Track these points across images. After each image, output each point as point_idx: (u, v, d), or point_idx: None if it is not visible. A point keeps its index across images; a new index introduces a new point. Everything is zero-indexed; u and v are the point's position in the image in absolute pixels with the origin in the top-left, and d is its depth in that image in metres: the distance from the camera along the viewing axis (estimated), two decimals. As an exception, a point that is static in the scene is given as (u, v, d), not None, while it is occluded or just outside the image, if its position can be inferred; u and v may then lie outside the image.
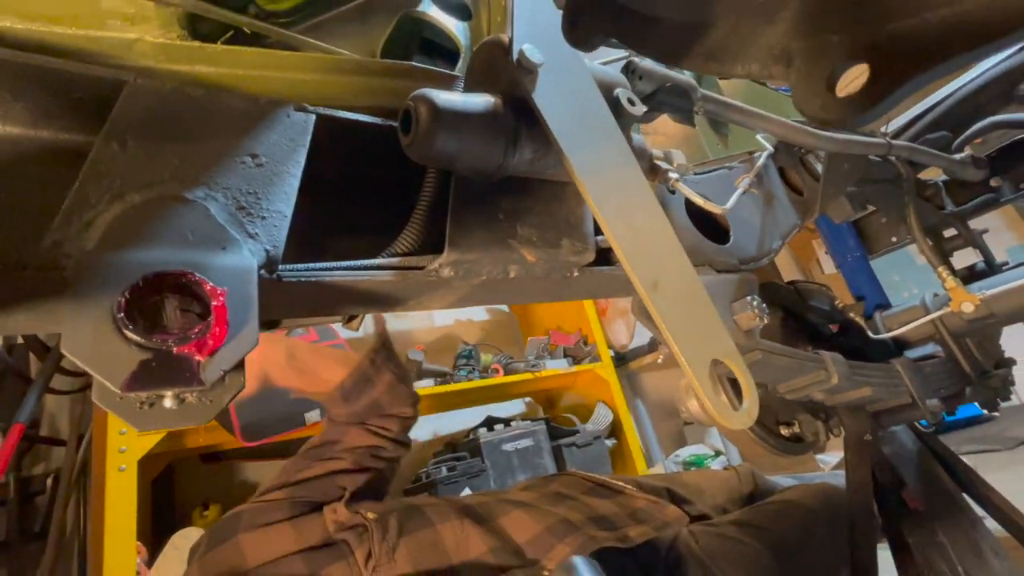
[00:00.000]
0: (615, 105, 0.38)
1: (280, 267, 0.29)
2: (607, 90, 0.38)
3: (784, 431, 0.99)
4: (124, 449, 1.35)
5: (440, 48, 0.61)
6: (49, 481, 1.83)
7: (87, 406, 1.94)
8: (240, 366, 0.30)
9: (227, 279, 0.25)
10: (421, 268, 0.34)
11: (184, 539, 1.37)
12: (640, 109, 0.39)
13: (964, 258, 1.19)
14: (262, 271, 0.27)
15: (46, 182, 0.29)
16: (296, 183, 0.31)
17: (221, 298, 0.24)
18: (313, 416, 1.58)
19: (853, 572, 0.85)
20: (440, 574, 0.67)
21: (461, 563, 0.70)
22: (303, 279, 0.29)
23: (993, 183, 1.19)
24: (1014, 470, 2.29)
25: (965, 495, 0.79)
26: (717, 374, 0.30)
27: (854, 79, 0.18)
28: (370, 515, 0.74)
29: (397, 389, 0.85)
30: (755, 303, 0.47)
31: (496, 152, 0.33)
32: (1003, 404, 3.04)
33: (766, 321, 0.47)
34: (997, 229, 3.86)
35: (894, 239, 1.35)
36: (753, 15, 0.19)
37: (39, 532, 1.77)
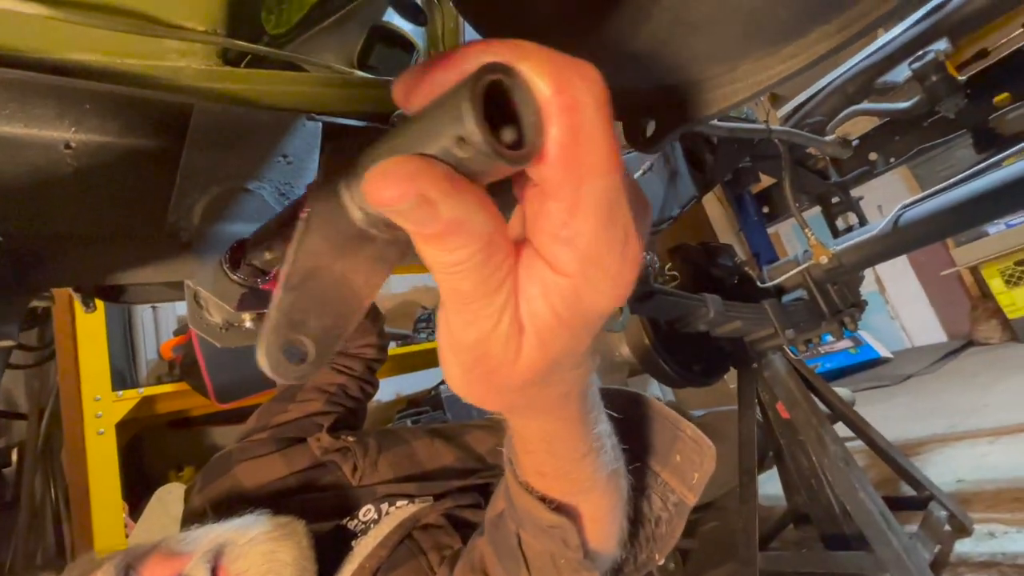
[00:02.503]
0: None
1: (311, 235, 0.42)
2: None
3: (696, 368, 1.21)
4: (100, 415, 1.41)
5: (398, 38, 0.73)
6: (14, 454, 1.86)
7: (45, 381, 1.95)
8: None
9: (283, 243, 0.38)
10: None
11: (168, 493, 1.47)
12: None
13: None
14: (301, 237, 0.41)
15: (137, 177, 0.41)
16: (315, 175, 0.44)
17: (284, 255, 0.37)
18: (283, 378, 1.68)
19: (740, 472, 1.09)
20: (417, 478, 0.82)
21: (434, 469, 0.85)
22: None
23: (871, 157, 1.42)
24: (899, 399, 2.71)
25: (819, 403, 1.03)
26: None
27: (650, 127, 0.34)
28: (351, 439, 0.86)
29: (363, 325, 0.93)
30: (648, 256, 0.65)
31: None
32: (898, 348, 3.46)
33: (656, 268, 0.64)
34: (900, 192, 4.29)
35: (798, 205, 1.59)
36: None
37: (10, 502, 1.81)
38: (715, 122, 0.82)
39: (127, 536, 1.42)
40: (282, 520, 0.66)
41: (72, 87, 0.38)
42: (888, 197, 2.74)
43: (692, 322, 0.77)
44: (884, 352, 3.74)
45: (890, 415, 2.43)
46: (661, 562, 0.55)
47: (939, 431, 1.73)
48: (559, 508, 0.40)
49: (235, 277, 0.35)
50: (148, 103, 0.41)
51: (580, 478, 0.38)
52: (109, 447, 1.40)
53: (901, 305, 3.98)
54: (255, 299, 0.35)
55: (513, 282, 0.21)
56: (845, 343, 3.76)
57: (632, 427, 0.46)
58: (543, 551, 0.43)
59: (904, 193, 4.08)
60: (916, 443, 1.72)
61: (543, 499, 0.40)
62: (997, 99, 1.20)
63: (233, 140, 0.41)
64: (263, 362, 0.24)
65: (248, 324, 0.39)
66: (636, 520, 0.51)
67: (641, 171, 0.69)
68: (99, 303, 1.38)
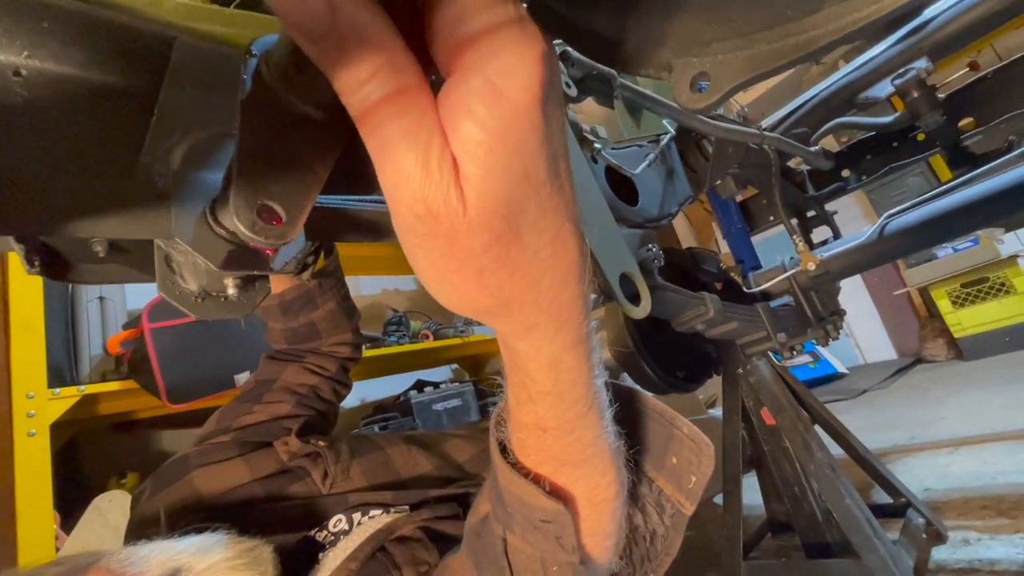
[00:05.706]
0: (556, 87, 0.49)
1: (307, 195, 0.37)
2: (550, 74, 0.49)
3: (680, 373, 1.20)
4: (33, 413, 1.28)
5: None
6: (-75, 458, 1.66)
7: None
8: (266, 278, 0.38)
9: (277, 199, 0.33)
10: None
11: (108, 502, 1.34)
12: (574, 92, 0.51)
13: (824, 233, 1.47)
14: (296, 196, 0.36)
15: (103, 117, 0.35)
16: (313, 131, 0.39)
17: (278, 211, 0.32)
18: (243, 378, 1.58)
19: (724, 479, 1.07)
20: (392, 486, 0.76)
21: (410, 477, 0.79)
22: (325, 205, 0.38)
23: (844, 173, 1.47)
24: (856, 413, 2.80)
25: (803, 410, 1.03)
26: (625, 290, 0.43)
27: (702, 84, 0.31)
28: (321, 443, 0.79)
29: (338, 320, 0.87)
30: (653, 250, 0.62)
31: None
32: (852, 364, 3.61)
33: (661, 263, 0.61)
34: (855, 217, 4.48)
35: (772, 218, 1.62)
36: (650, 42, 0.31)
37: (-83, 513, 1.61)
38: (714, 120, 0.81)
39: (57, 550, 1.28)
40: (247, 545, 0.59)
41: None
42: (846, 218, 2.89)
43: (690, 320, 0.75)
44: (841, 368, 3.89)
45: (851, 427, 2.51)
46: None
47: (900, 442, 1.78)
48: (554, 493, 0.36)
49: (221, 232, 0.29)
50: (119, 35, 0.35)
51: (583, 439, 0.34)
52: (41, 450, 1.27)
53: (856, 323, 4.16)
54: (243, 258, 0.30)
55: (434, 117, 0.20)
56: (804, 358, 3.88)
57: (623, 425, 0.42)
58: (533, 556, 0.39)
59: (860, 214, 4.29)
60: (879, 454, 1.77)
61: (536, 482, 0.35)
62: (962, 124, 1.26)
63: (220, 82, 0.36)
64: (239, 223, 0.24)
65: (231, 292, 0.33)
66: (630, 535, 0.46)
67: (646, 162, 0.67)
68: (38, 289, 1.24)
